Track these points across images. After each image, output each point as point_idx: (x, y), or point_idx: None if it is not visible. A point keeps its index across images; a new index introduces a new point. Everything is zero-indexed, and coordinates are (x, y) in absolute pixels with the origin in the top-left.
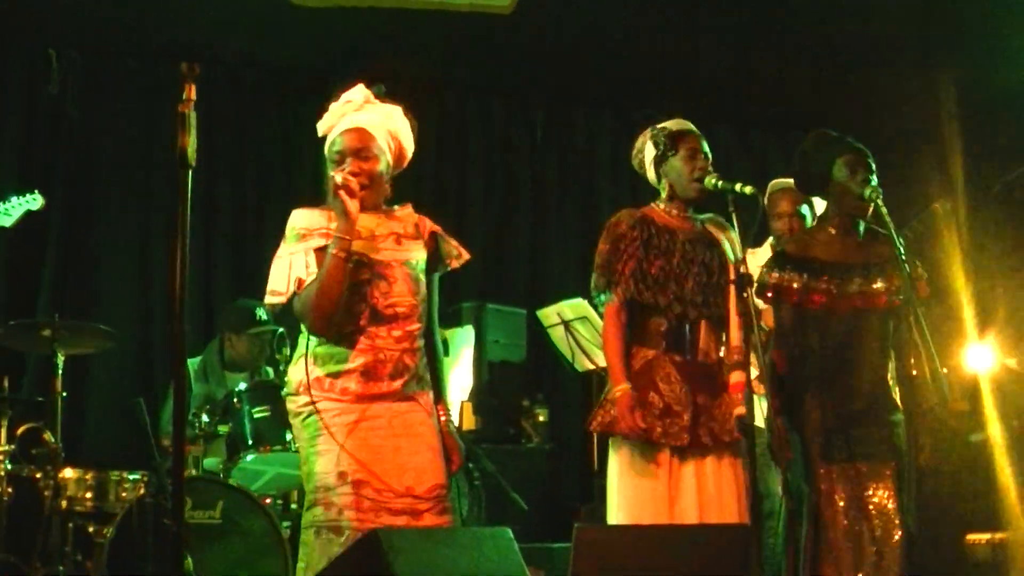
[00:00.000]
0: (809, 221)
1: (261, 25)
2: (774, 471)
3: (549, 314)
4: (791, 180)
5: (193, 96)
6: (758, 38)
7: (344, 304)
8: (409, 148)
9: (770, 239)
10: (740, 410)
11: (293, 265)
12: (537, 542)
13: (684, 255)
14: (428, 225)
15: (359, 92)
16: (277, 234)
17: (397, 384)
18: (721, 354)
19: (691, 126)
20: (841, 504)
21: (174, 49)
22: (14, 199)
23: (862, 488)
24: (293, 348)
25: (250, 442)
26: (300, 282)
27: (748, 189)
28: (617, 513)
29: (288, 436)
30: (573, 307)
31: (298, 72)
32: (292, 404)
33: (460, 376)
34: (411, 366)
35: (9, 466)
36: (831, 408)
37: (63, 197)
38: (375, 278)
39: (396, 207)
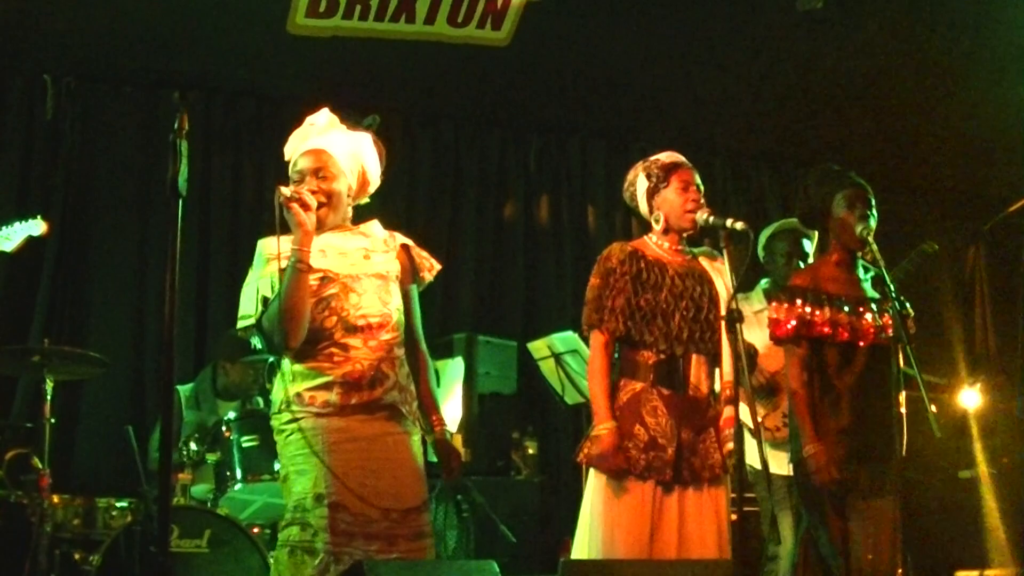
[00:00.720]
0: (811, 254)
1: (258, 54)
2: (784, 519)
3: (540, 347)
4: (790, 219)
5: (186, 126)
6: (753, 71)
7: (309, 317)
8: (374, 175)
9: (762, 282)
10: (729, 446)
11: (260, 288)
12: (526, 575)
13: (673, 290)
14: (398, 238)
15: (323, 115)
16: None
17: (377, 392)
18: (716, 388)
19: (683, 158)
20: (853, 538)
21: (171, 77)
22: (16, 224)
23: (872, 523)
24: None
25: (239, 471)
26: (267, 302)
27: (739, 225)
28: (594, 544)
29: (277, 465)
30: (563, 340)
31: (295, 101)
32: (276, 422)
33: (450, 408)
34: (390, 375)
35: None
36: (844, 444)
37: (58, 223)
38: (343, 291)
39: (361, 225)
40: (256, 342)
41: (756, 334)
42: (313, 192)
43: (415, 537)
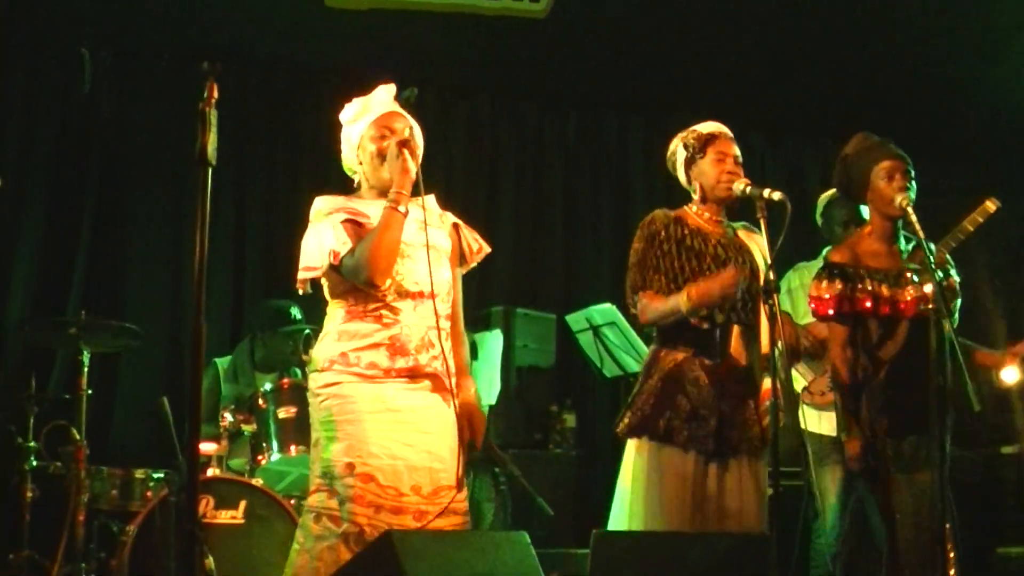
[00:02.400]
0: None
1: (295, 26)
2: (826, 475)
3: (578, 319)
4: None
5: (215, 94)
6: (793, 43)
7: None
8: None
9: (825, 251)
10: (768, 417)
11: (323, 239)
12: (563, 547)
13: (715, 258)
14: (451, 218)
15: (389, 91)
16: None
17: (424, 359)
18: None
19: (723, 128)
20: (898, 515)
21: (206, 49)
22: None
23: (914, 497)
24: None
25: (275, 443)
26: (335, 254)
27: (777, 195)
28: (635, 517)
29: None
30: (602, 312)
31: (331, 73)
32: (313, 383)
33: (488, 381)
34: (436, 344)
35: (35, 463)
36: (886, 417)
37: (95, 196)
38: (400, 257)
39: (418, 197)
40: (294, 310)
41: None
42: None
43: (445, 514)
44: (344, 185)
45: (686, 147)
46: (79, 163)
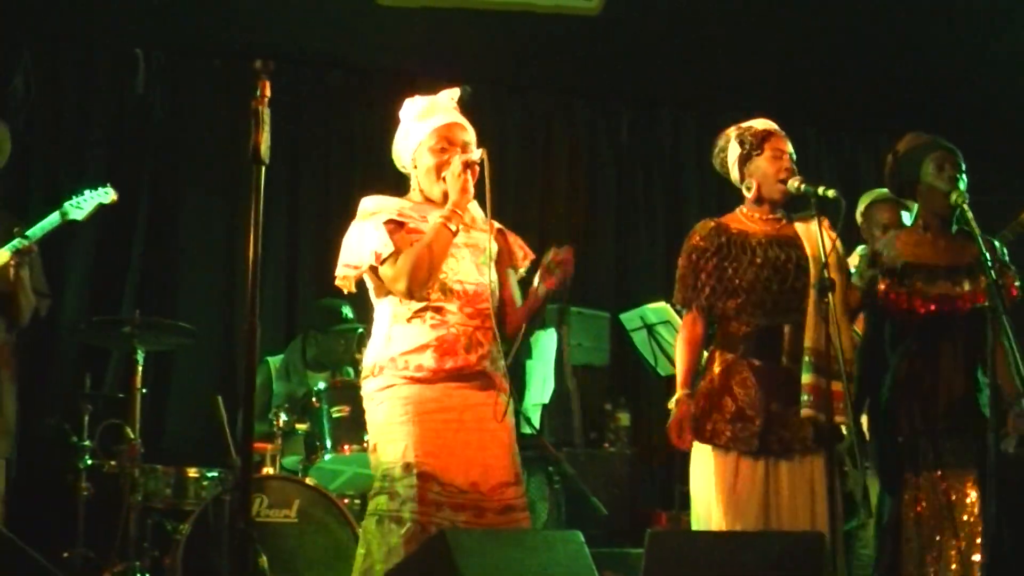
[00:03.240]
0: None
1: (346, 26)
2: (871, 477)
3: (632, 317)
4: (885, 190)
5: (268, 93)
6: (845, 39)
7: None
8: None
9: (859, 248)
10: (806, 412)
11: (366, 239)
12: (617, 547)
13: (754, 260)
14: (494, 223)
15: (453, 97)
16: None
17: (472, 358)
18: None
19: (776, 126)
20: (923, 513)
21: (258, 49)
22: (87, 193)
23: (946, 497)
24: None
25: (328, 441)
26: (377, 255)
27: (831, 193)
28: (695, 518)
29: (367, 436)
30: (656, 311)
31: (383, 73)
32: (367, 387)
33: (542, 379)
34: (484, 343)
35: (90, 462)
36: (918, 413)
37: (149, 195)
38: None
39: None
40: (346, 310)
41: None
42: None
43: (503, 511)
44: (397, 185)
45: (742, 143)
46: (133, 163)
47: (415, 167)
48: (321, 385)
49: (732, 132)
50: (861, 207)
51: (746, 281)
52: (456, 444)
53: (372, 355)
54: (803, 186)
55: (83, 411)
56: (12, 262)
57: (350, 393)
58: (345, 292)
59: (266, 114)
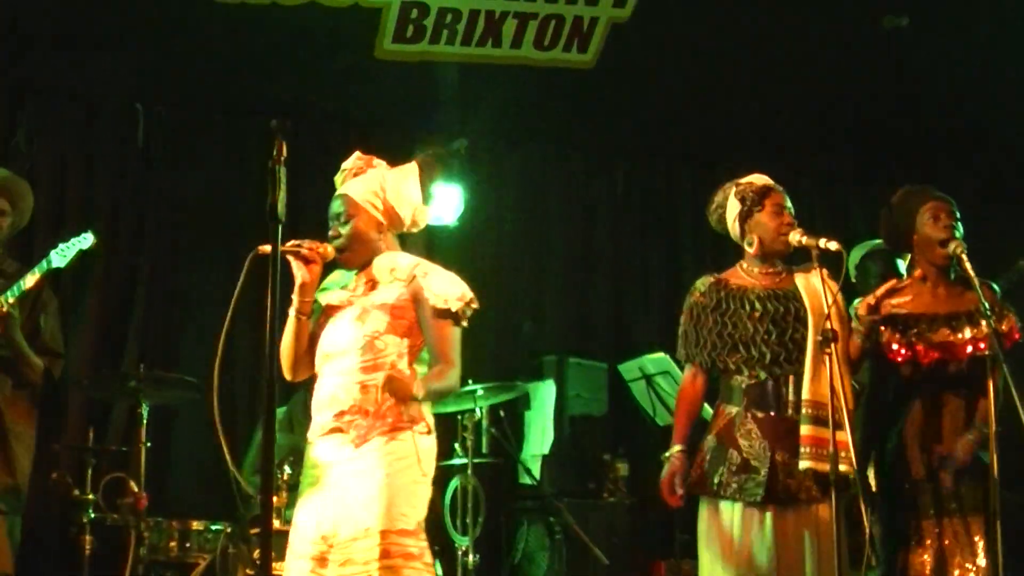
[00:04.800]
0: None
1: (346, 80)
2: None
3: (631, 368)
4: (879, 241)
5: (284, 152)
6: (842, 91)
7: (301, 356)
8: (402, 205)
9: (855, 302)
10: (805, 464)
11: None
12: None
13: (753, 315)
14: (412, 268)
15: (352, 160)
16: None
17: (330, 416)
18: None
19: (772, 181)
20: (931, 560)
21: (260, 104)
22: (71, 240)
23: (953, 543)
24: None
25: None
26: None
27: (833, 245)
28: (702, 570)
29: None
30: (655, 362)
31: (383, 126)
32: None
33: (541, 430)
34: (345, 399)
35: (93, 515)
36: (924, 461)
37: (151, 249)
38: (329, 324)
39: (381, 256)
40: None
41: None
42: (335, 237)
43: (344, 564)
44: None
45: (743, 200)
46: (135, 216)
47: None
48: None
49: (731, 189)
50: (854, 259)
51: (745, 335)
52: (314, 494)
53: None
54: (804, 239)
55: (87, 464)
56: None
57: None
58: None
59: (282, 173)
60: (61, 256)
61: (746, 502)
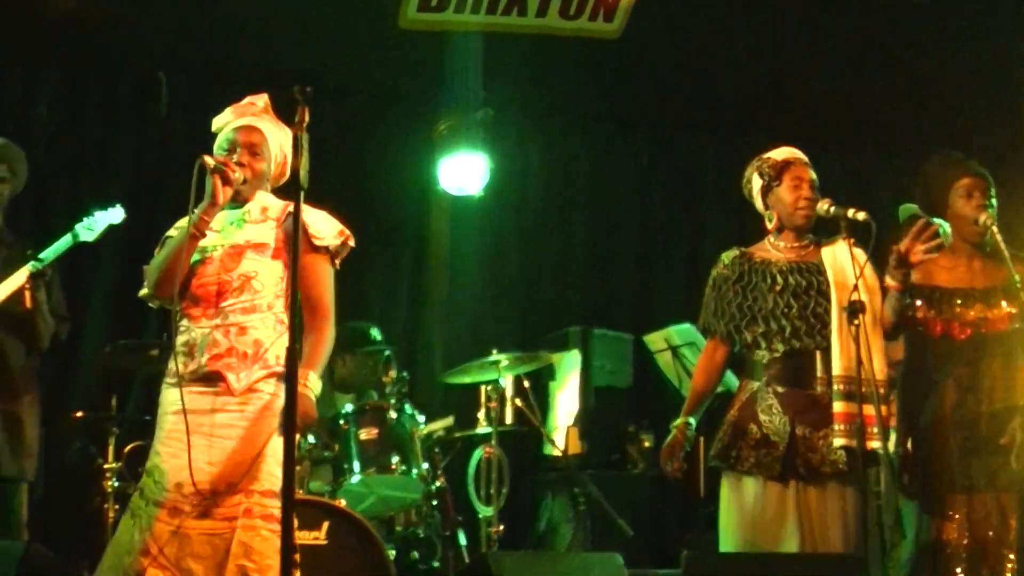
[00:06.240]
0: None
1: (367, 50)
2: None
3: (656, 339)
4: (913, 206)
5: (306, 119)
6: (866, 62)
7: (179, 278)
8: (287, 169)
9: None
10: (840, 441)
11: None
12: (641, 568)
13: (775, 288)
14: (285, 208)
15: (262, 99)
16: (383, 257)
17: (205, 359)
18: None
19: (798, 154)
20: (959, 535)
21: (281, 74)
22: (97, 214)
23: (986, 520)
24: (400, 369)
25: (356, 464)
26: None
27: (861, 215)
28: (723, 544)
29: (395, 459)
30: (681, 332)
31: (404, 98)
32: None
33: (566, 401)
34: (221, 342)
35: (116, 484)
36: (958, 436)
37: (171, 218)
38: (197, 264)
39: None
40: (374, 332)
41: None
42: (242, 165)
43: (202, 515)
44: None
45: (761, 175)
46: (156, 186)
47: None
48: (348, 408)
49: (754, 163)
50: (903, 217)
51: (765, 308)
52: (174, 444)
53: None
54: (832, 209)
55: (108, 434)
56: (27, 285)
57: (378, 415)
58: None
59: (305, 140)
60: (88, 230)
61: (765, 476)
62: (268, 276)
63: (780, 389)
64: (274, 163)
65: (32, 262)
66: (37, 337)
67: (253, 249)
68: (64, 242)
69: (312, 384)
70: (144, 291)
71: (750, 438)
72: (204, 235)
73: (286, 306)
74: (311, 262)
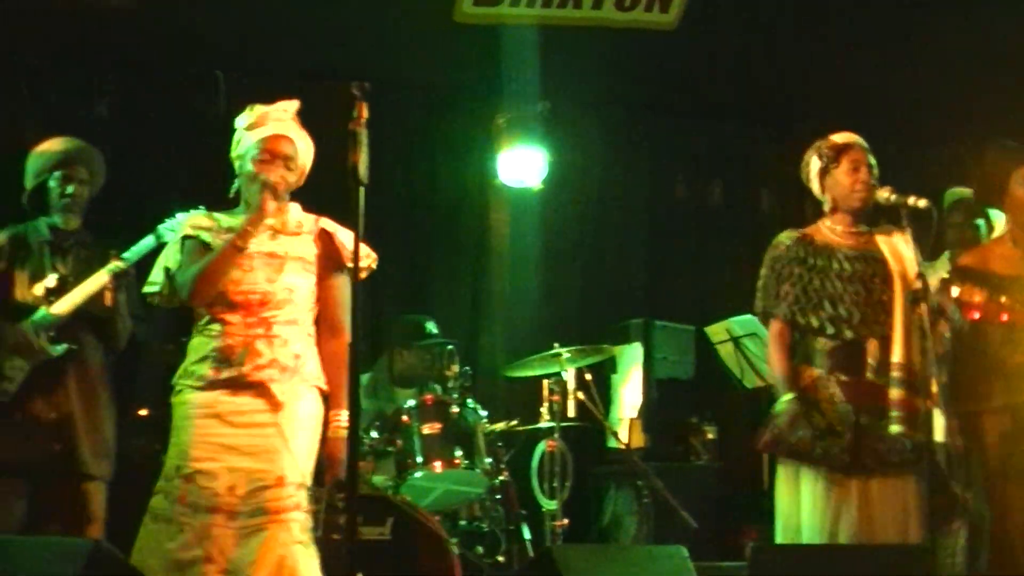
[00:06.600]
0: (984, 232)
1: (424, 45)
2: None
3: (718, 330)
4: (967, 190)
5: (365, 114)
6: (921, 48)
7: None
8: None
9: (946, 252)
10: (896, 428)
11: (166, 257)
12: (706, 561)
13: (841, 274)
14: (319, 223)
15: (293, 106)
16: (444, 252)
17: (247, 369)
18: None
19: (857, 138)
20: (1017, 523)
21: (339, 70)
22: (179, 216)
23: None
24: (462, 363)
25: (419, 459)
26: (167, 271)
27: (922, 202)
28: (783, 533)
29: (458, 452)
30: (742, 323)
31: (462, 92)
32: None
33: (629, 394)
34: (264, 353)
35: None
36: (1010, 425)
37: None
38: (238, 268)
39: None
40: (431, 325)
41: None
42: (277, 183)
43: (252, 514)
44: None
45: (820, 157)
46: (215, 182)
47: (239, 174)
48: (410, 402)
49: (814, 146)
50: (947, 202)
51: (833, 293)
52: (220, 449)
53: (181, 364)
54: (893, 196)
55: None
56: (110, 285)
57: (440, 410)
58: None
59: (364, 135)
60: (172, 231)
61: (831, 467)
62: (306, 291)
63: (843, 377)
64: (298, 172)
65: (114, 262)
66: (115, 337)
67: (294, 262)
68: (147, 243)
69: (344, 423)
70: (151, 288)
71: (815, 427)
72: (247, 248)
73: (314, 320)
74: (340, 283)
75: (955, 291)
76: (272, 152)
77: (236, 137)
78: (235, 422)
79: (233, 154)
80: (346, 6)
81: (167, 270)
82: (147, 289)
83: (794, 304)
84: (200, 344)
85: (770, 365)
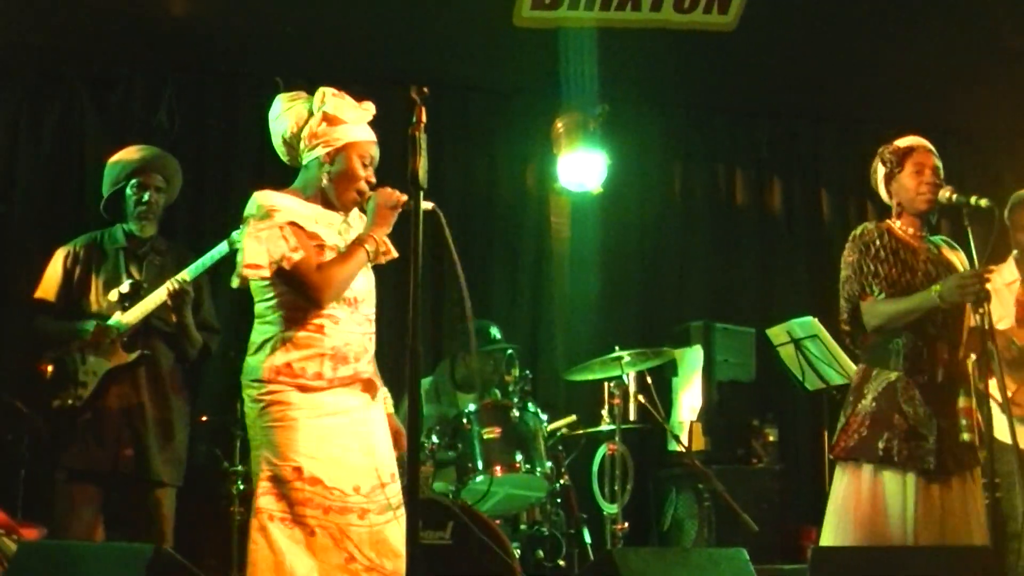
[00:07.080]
0: None
1: (483, 49)
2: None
3: (779, 333)
4: None
5: (424, 119)
6: (988, 48)
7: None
8: None
9: (1013, 253)
10: (967, 436)
11: (272, 241)
12: (767, 563)
13: (927, 275)
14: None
15: (372, 110)
16: (505, 255)
17: (363, 366)
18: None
19: (922, 141)
20: None
21: (398, 74)
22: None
23: None
24: (523, 367)
25: (480, 463)
26: (288, 259)
27: (984, 202)
28: (851, 538)
29: (518, 457)
30: (803, 325)
31: (522, 95)
32: (254, 391)
33: (690, 396)
34: (368, 349)
35: (242, 486)
36: None
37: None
38: None
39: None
40: (493, 330)
41: (1006, 305)
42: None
43: (382, 511)
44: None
45: (884, 162)
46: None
47: (328, 161)
48: (471, 407)
49: (879, 152)
50: (1008, 206)
51: (915, 291)
52: (340, 449)
53: (265, 359)
54: (955, 196)
55: (234, 437)
56: (170, 304)
57: (501, 414)
58: (235, 286)
59: (423, 139)
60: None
61: (917, 469)
62: (374, 287)
63: (922, 380)
64: None
65: (171, 280)
66: (182, 349)
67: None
68: (219, 251)
69: (390, 399)
70: (325, 294)
71: (899, 429)
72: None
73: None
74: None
75: None
76: (373, 159)
77: (318, 117)
78: (350, 421)
79: (312, 130)
80: (406, 11)
81: (285, 258)
82: (251, 272)
83: (891, 287)
84: (308, 339)
85: (894, 310)
